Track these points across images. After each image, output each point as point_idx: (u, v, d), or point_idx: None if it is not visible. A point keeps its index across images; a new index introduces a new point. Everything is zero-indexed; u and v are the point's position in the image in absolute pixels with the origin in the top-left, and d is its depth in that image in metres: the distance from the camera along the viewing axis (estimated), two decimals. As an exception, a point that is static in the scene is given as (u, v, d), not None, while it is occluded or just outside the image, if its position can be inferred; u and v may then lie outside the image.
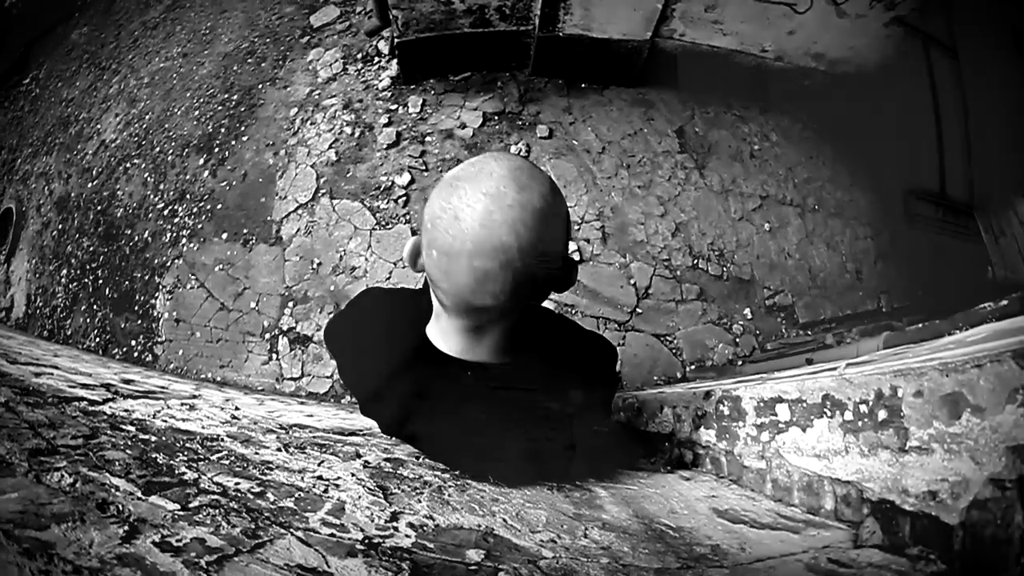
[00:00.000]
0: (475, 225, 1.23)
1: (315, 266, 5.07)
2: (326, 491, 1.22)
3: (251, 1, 6.81)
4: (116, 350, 5.33)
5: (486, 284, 1.26)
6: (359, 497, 1.22)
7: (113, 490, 1.01)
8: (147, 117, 6.37)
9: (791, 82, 5.63)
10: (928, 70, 6.06)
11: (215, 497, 1.07)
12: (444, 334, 1.53)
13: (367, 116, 5.59)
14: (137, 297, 5.42)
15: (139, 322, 5.33)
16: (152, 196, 5.79)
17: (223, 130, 5.83)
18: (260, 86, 6.00)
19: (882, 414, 1.27)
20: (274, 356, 4.92)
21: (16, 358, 2.05)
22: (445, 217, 1.27)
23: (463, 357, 1.53)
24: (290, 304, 5.01)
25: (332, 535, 1.00)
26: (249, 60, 6.25)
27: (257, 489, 1.16)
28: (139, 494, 1.02)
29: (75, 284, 5.90)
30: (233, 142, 5.73)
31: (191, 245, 5.38)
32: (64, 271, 6.04)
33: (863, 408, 1.32)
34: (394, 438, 1.79)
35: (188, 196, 5.61)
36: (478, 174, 1.30)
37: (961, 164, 6.14)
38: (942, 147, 6.06)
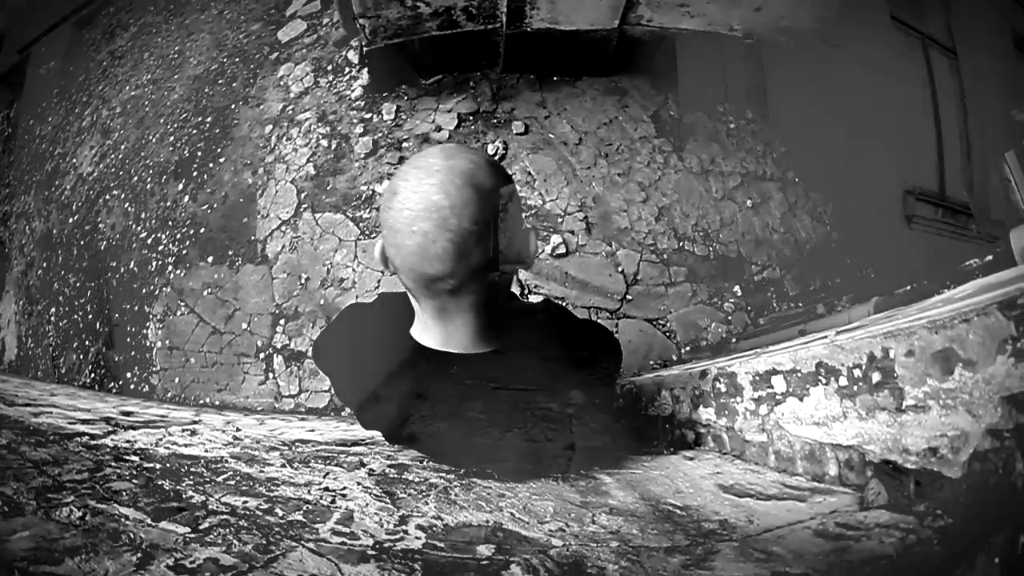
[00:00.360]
0: (409, 193, 1.34)
1: (303, 281, 5.06)
2: (333, 502, 1.24)
3: (217, 22, 6.79)
4: (112, 384, 5.32)
5: (428, 248, 1.33)
6: (366, 504, 1.23)
7: (123, 519, 1.02)
8: (122, 147, 6.34)
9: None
10: (927, 70, 6.09)
11: (224, 517, 1.08)
12: (424, 328, 1.57)
13: (342, 127, 5.58)
14: (128, 328, 5.40)
15: (132, 353, 5.31)
16: (134, 226, 5.77)
17: (199, 153, 5.82)
18: (233, 106, 5.99)
19: (876, 376, 1.29)
20: (270, 375, 4.91)
21: (13, 400, 2.05)
22: (388, 196, 1.36)
23: (445, 349, 1.55)
24: (282, 322, 5.00)
25: (343, 543, 1.01)
26: (220, 81, 6.23)
27: (265, 506, 1.17)
28: (149, 521, 1.02)
29: (65, 321, 5.88)
30: (211, 164, 5.72)
31: (178, 272, 5.36)
32: (53, 309, 6.02)
33: (857, 372, 1.33)
34: (396, 445, 1.80)
35: (170, 223, 5.59)
36: (413, 159, 1.43)
37: (960, 165, 6.16)
38: (941, 147, 6.08)
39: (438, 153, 1.39)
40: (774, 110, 5.77)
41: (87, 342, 5.61)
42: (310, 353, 4.85)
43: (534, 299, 4.75)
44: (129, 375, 5.25)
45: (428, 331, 1.56)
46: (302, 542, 1.01)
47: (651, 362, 4.77)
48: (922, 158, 6.00)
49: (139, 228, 5.72)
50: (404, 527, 1.13)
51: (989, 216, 5.91)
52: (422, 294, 1.48)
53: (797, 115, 5.56)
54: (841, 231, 5.63)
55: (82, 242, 6.02)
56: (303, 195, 5.33)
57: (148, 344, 5.26)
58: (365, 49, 5.43)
